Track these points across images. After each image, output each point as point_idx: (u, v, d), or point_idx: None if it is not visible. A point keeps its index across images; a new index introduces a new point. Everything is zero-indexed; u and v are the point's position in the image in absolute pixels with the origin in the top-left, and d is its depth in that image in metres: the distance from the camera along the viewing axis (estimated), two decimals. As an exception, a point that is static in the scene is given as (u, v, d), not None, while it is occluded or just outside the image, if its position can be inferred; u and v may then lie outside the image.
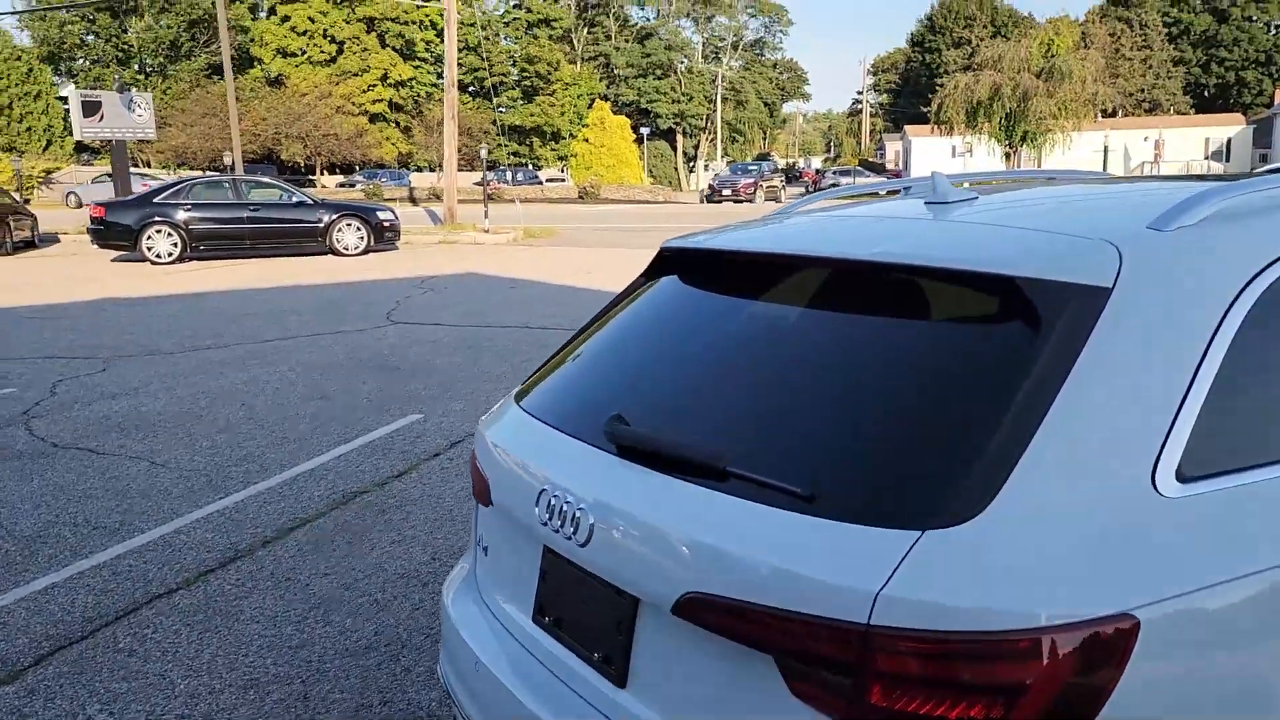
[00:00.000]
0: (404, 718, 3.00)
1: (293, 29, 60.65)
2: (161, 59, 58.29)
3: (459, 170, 44.88)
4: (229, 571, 4.10)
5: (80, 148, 51.58)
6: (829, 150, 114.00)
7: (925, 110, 62.10)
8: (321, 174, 56.62)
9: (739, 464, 1.58)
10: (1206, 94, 73.49)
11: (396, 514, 4.74)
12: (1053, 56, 41.68)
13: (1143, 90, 73.08)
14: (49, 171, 47.70)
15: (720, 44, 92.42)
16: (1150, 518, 1.36)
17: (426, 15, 61.09)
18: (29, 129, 50.70)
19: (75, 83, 53.11)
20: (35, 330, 10.20)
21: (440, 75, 64.54)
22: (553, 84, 67.91)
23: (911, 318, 1.76)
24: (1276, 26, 72.17)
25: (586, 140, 45.70)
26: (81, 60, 57.77)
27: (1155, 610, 1.30)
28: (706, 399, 1.87)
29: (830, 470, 1.54)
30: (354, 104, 58.43)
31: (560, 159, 66.42)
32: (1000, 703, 1.27)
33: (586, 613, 1.80)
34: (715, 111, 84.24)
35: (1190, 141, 56.22)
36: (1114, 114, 66.50)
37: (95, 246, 17.61)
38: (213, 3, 56.48)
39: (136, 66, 58.50)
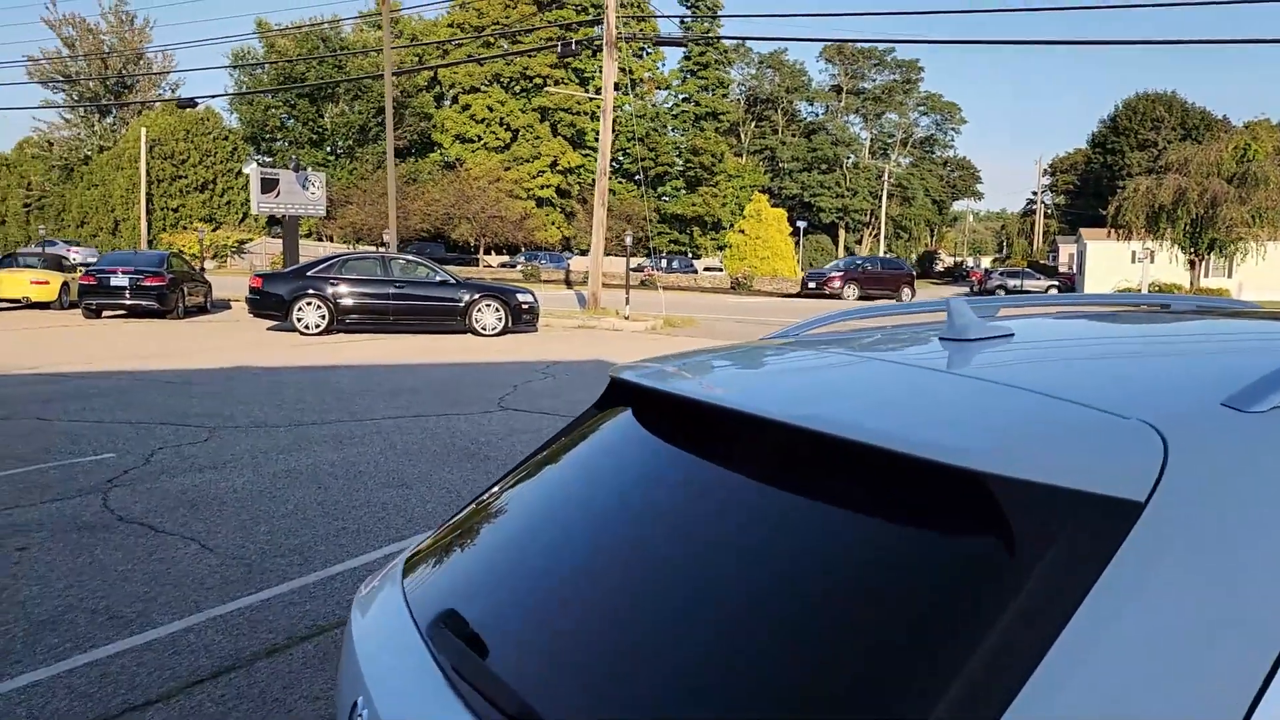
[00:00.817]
0: None
1: (471, 116, 63.93)
2: (350, 142, 62.27)
3: (616, 255, 45.59)
4: (218, 684, 3.74)
5: (272, 221, 55.39)
6: (1000, 250, 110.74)
7: (1103, 213, 59.40)
8: (486, 254, 58.78)
9: None
10: None
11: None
12: (1248, 161, 39.11)
13: (1352, 199, 67.81)
14: (241, 242, 51.35)
15: (889, 140, 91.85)
16: None
17: (597, 107, 63.22)
18: (229, 202, 54.78)
19: (273, 161, 57.31)
20: (164, 395, 10.49)
21: (609, 162, 66.47)
22: (716, 175, 68.76)
23: (846, 509, 1.20)
24: None
25: (742, 231, 45.70)
26: (280, 141, 62.36)
27: None
28: (595, 608, 1.35)
29: None
30: (523, 188, 60.77)
31: (719, 248, 66.81)
32: None
33: None
34: (880, 207, 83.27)
35: None
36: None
37: (252, 316, 18.42)
38: (402, 92, 60.36)
39: (328, 148, 62.70)
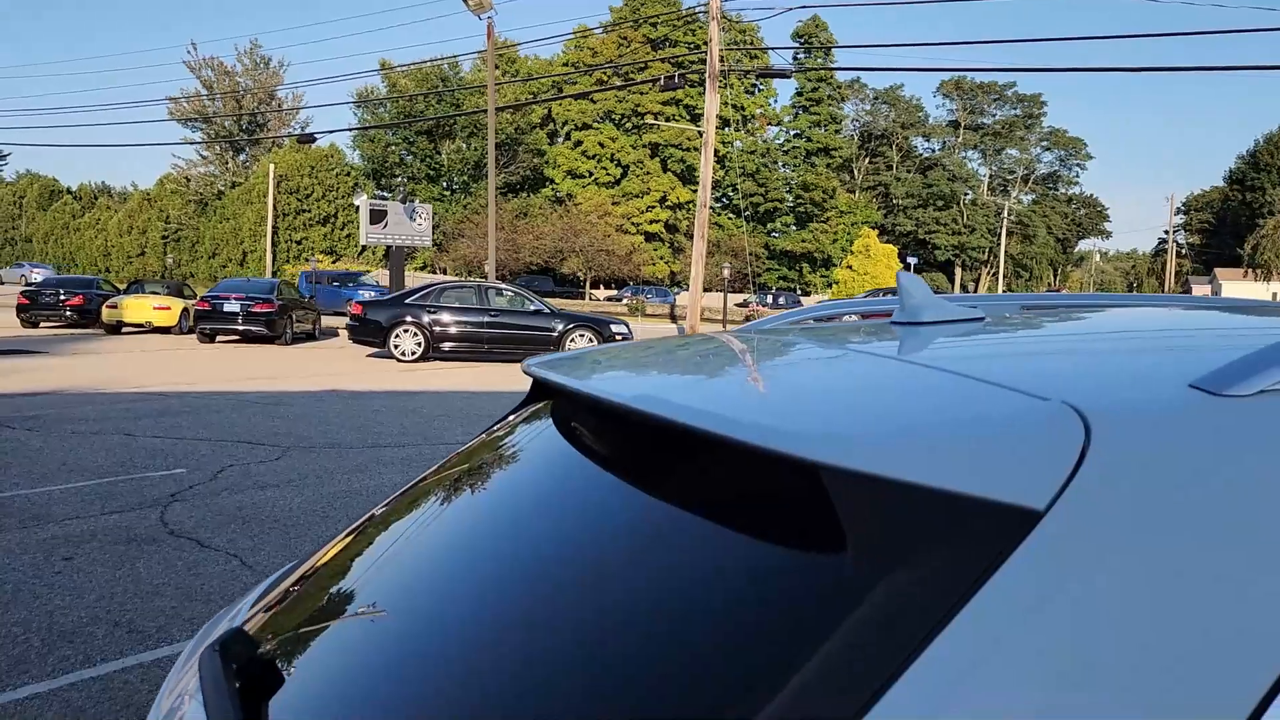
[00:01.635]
0: None
1: (583, 152, 64.92)
2: (466, 178, 63.92)
3: (720, 291, 45.36)
4: (214, 706, 3.58)
5: (389, 253, 57.19)
6: (1129, 291, 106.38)
7: (1240, 252, 56.34)
8: (594, 288, 59.32)
9: None
10: None
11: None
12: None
13: None
14: (359, 274, 53.05)
15: (1009, 176, 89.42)
16: None
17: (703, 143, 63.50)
18: (348, 235, 56.79)
19: (392, 196, 59.20)
20: (249, 415, 10.66)
21: (718, 199, 66.50)
22: (827, 211, 68.03)
23: (678, 502, 0.99)
24: None
25: (850, 268, 44.94)
26: (399, 177, 64.48)
27: None
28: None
29: None
30: (632, 223, 61.25)
31: (828, 285, 65.95)
32: None
33: None
34: (999, 245, 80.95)
35: None
36: None
37: (353, 342, 18.80)
38: (516, 129, 61.76)
39: (444, 184, 64.50)
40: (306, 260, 51.36)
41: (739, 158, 63.45)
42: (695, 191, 66.15)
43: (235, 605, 1.62)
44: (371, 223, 24.25)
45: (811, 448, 0.74)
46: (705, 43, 56.48)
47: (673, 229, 65.13)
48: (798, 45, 70.29)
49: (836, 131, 76.31)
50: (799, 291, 65.39)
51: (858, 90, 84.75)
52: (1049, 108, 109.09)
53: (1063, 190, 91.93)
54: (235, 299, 20.87)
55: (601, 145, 64.42)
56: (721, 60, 23.91)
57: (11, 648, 4.04)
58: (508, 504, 1.32)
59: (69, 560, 5.24)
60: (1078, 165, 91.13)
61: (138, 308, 23.59)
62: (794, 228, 69.38)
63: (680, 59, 50.57)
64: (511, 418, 1.68)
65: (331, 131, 54.63)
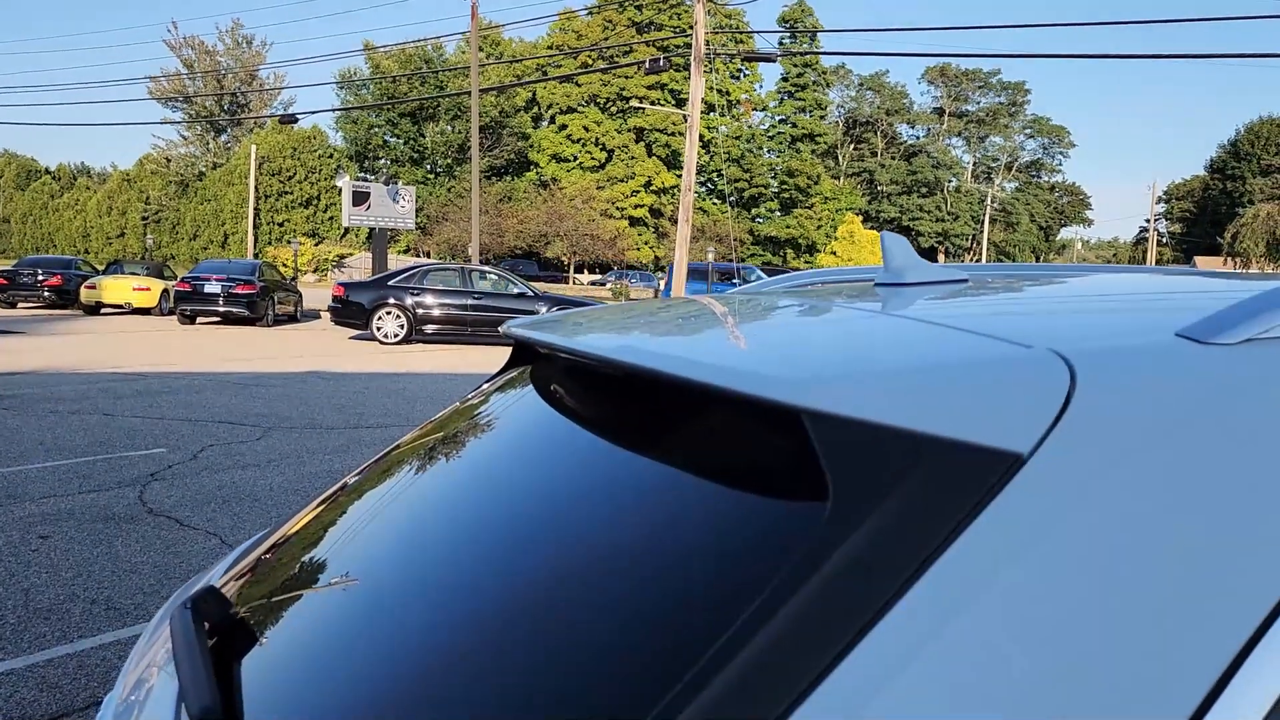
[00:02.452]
0: None
1: (568, 136, 64.65)
2: (450, 160, 63.55)
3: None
4: (192, 683, 3.56)
5: (371, 236, 56.85)
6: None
7: (1220, 241, 56.77)
8: (578, 272, 59.21)
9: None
10: None
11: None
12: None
13: None
14: (341, 257, 52.75)
15: (993, 164, 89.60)
16: None
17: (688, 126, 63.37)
18: (331, 218, 56.43)
19: (376, 179, 58.82)
20: (231, 396, 10.59)
21: (702, 184, 66.43)
22: (812, 197, 68.04)
23: (658, 453, 0.99)
24: None
25: (834, 253, 44.99)
26: (383, 159, 64.05)
27: None
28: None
29: None
30: (616, 208, 61.07)
31: (813, 271, 66.06)
32: None
33: None
34: (981, 232, 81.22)
35: None
36: None
37: (334, 324, 18.70)
38: (500, 112, 61.43)
39: (428, 166, 64.12)
40: (288, 243, 51.08)
41: (724, 143, 63.33)
42: (680, 176, 66.06)
43: (205, 574, 1.60)
44: (354, 204, 24.08)
45: (792, 392, 0.74)
46: (690, 26, 56.25)
47: (657, 214, 65.02)
48: (783, 30, 70.14)
49: (821, 118, 76.25)
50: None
51: (843, 76, 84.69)
52: (1033, 96, 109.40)
53: (1045, 178, 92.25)
54: (216, 280, 20.70)
55: (586, 129, 64.15)
56: (707, 44, 23.82)
57: (-13, 624, 4.00)
58: (484, 467, 1.31)
59: (45, 539, 5.19)
60: (1060, 153, 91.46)
61: (117, 288, 23.38)
62: (778, 213, 69.35)
63: (665, 43, 50.39)
64: (487, 386, 1.66)
65: (314, 112, 54.24)
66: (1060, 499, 0.69)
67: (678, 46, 48.01)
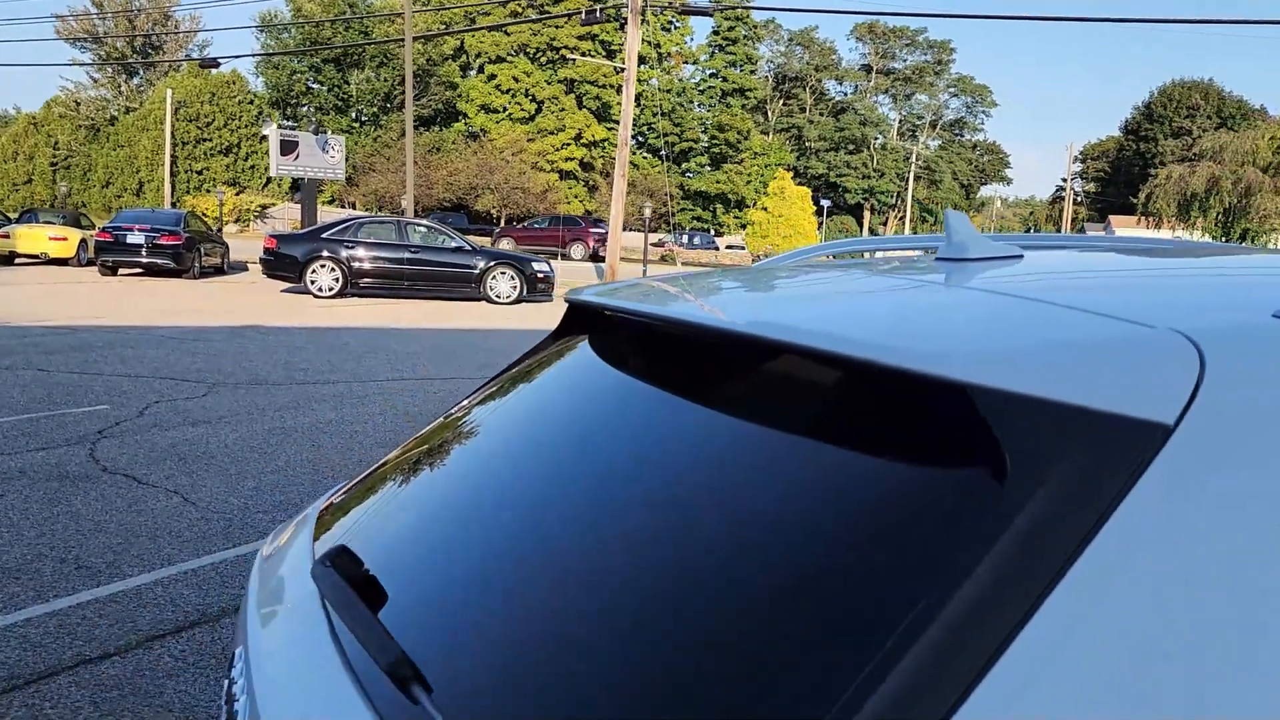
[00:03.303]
0: None
1: (497, 87, 63.57)
2: (375, 109, 62.05)
3: (638, 230, 45.31)
4: (179, 639, 3.57)
5: (295, 186, 55.34)
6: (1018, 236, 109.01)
7: (1134, 201, 58.49)
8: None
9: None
10: None
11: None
12: (1281, 151, 38.34)
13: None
14: (264, 207, 51.33)
15: (918, 122, 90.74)
16: None
17: (624, 80, 62.78)
18: (253, 167, 54.74)
19: (298, 126, 57.20)
20: (168, 351, 10.36)
21: (633, 138, 66.03)
22: (741, 152, 68.16)
23: (810, 433, 1.00)
24: None
25: (765, 209, 45.28)
26: (305, 107, 62.22)
27: None
28: (486, 549, 1.14)
29: None
30: (546, 160, 60.43)
31: (742, 226, 66.39)
32: None
33: None
34: (906, 190, 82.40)
35: None
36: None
37: (266, 276, 18.31)
38: (428, 60, 60.03)
39: (353, 115, 62.51)
40: (209, 192, 49.51)
41: (655, 96, 62.96)
42: (611, 129, 65.50)
43: (287, 527, 1.64)
44: (282, 154, 23.46)
45: (960, 368, 0.81)
46: (622, -23, 55.55)
47: (588, 167, 64.52)
48: (715, -17, 69.66)
49: (752, 72, 76.22)
50: (712, 232, 65.65)
51: (773, 31, 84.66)
52: (957, 55, 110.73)
53: (968, 137, 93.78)
54: (140, 230, 20.05)
55: (516, 80, 63.12)
56: (643, -4, 23.60)
57: (-44, 585, 3.94)
58: (570, 434, 1.34)
59: (1, 497, 5.09)
60: (983, 112, 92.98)
61: (32, 238, 22.50)
62: (708, 168, 69.37)
63: (597, -7, 49.69)
64: (541, 354, 1.68)
65: (235, 57, 52.22)
66: (1205, 467, 0.74)
67: (609, -3, 47.42)
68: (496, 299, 18.18)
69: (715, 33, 73.79)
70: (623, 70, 51.44)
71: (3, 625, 3.61)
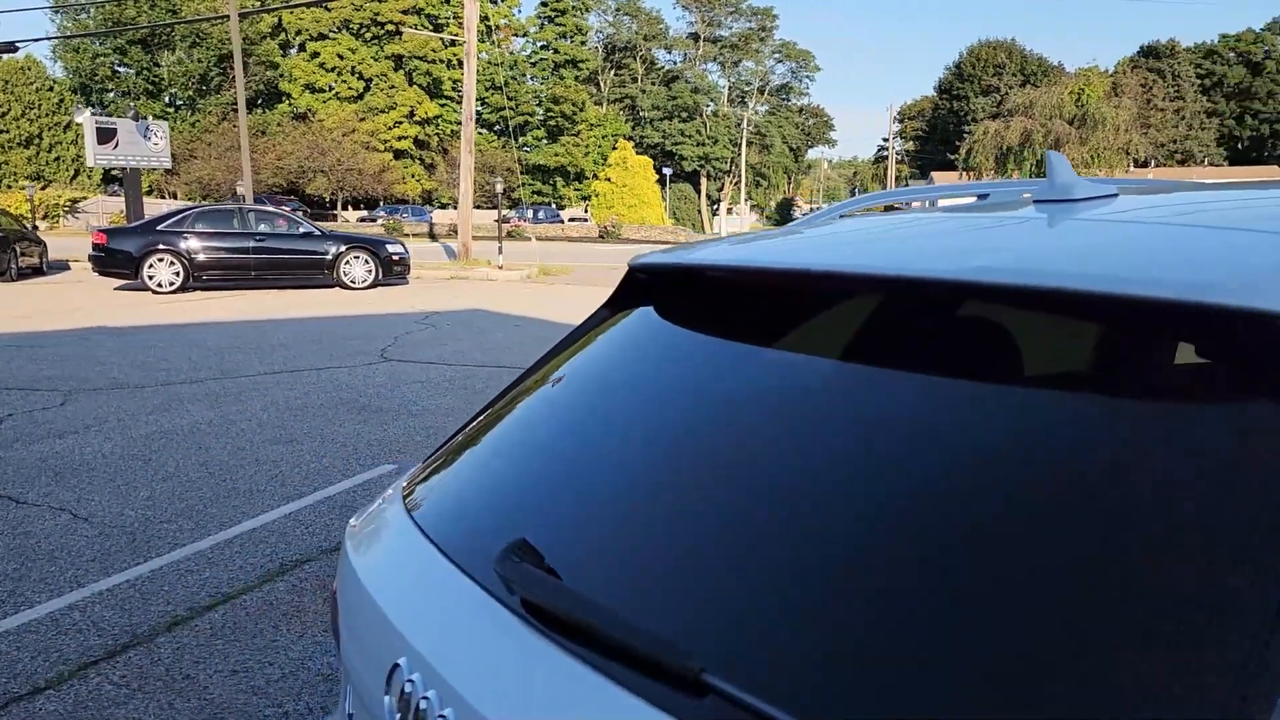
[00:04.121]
0: None
1: (321, 65, 61.11)
2: (191, 92, 58.66)
3: (480, 208, 44.61)
4: (115, 665, 3.32)
5: (108, 178, 51.75)
6: (853, 197, 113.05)
7: (952, 157, 61.53)
8: (344, 208, 56.59)
9: (725, 674, 0.81)
10: (1240, 146, 72.58)
11: (336, 591, 3.95)
12: (1084, 104, 41.07)
13: (1175, 141, 72.20)
14: (74, 201, 47.83)
15: (747, 88, 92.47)
16: None
17: (454, 54, 61.33)
18: (58, 159, 50.94)
19: (108, 113, 53.42)
20: (7, 360, 9.55)
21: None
22: (578, 124, 67.91)
23: (1045, 385, 0.98)
24: (1311, 80, 71.37)
25: (609, 180, 45.32)
26: (112, 92, 58.22)
27: None
28: (684, 522, 1.08)
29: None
30: (380, 140, 58.62)
31: (583, 199, 66.28)
32: None
33: None
34: (740, 155, 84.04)
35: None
36: (1146, 164, 65.72)
37: (97, 274, 17.10)
38: (245, 39, 57.04)
39: (166, 99, 58.92)
40: (10, 188, 45.74)
41: (486, 70, 61.90)
42: (445, 106, 64.08)
43: (363, 521, 1.52)
44: (99, 142, 21.83)
45: (1241, 294, 0.81)
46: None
47: (423, 145, 62.95)
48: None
49: (582, 43, 75.88)
50: (554, 205, 65.33)
51: (599, 1, 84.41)
52: (780, 21, 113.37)
53: (794, 101, 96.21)
54: (-57, 232, 18.34)
55: (341, 57, 60.78)
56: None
57: None
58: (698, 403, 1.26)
59: None
60: (807, 77, 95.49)
61: None
62: (546, 141, 68.82)
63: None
64: (610, 325, 1.57)
65: (33, 41, 48.23)
66: None
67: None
68: (352, 284, 17.57)
69: (543, 4, 73.03)
70: (454, 43, 50.16)
71: (-92, 670, 3.27)
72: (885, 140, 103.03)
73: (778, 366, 1.22)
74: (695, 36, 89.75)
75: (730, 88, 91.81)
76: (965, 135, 53.84)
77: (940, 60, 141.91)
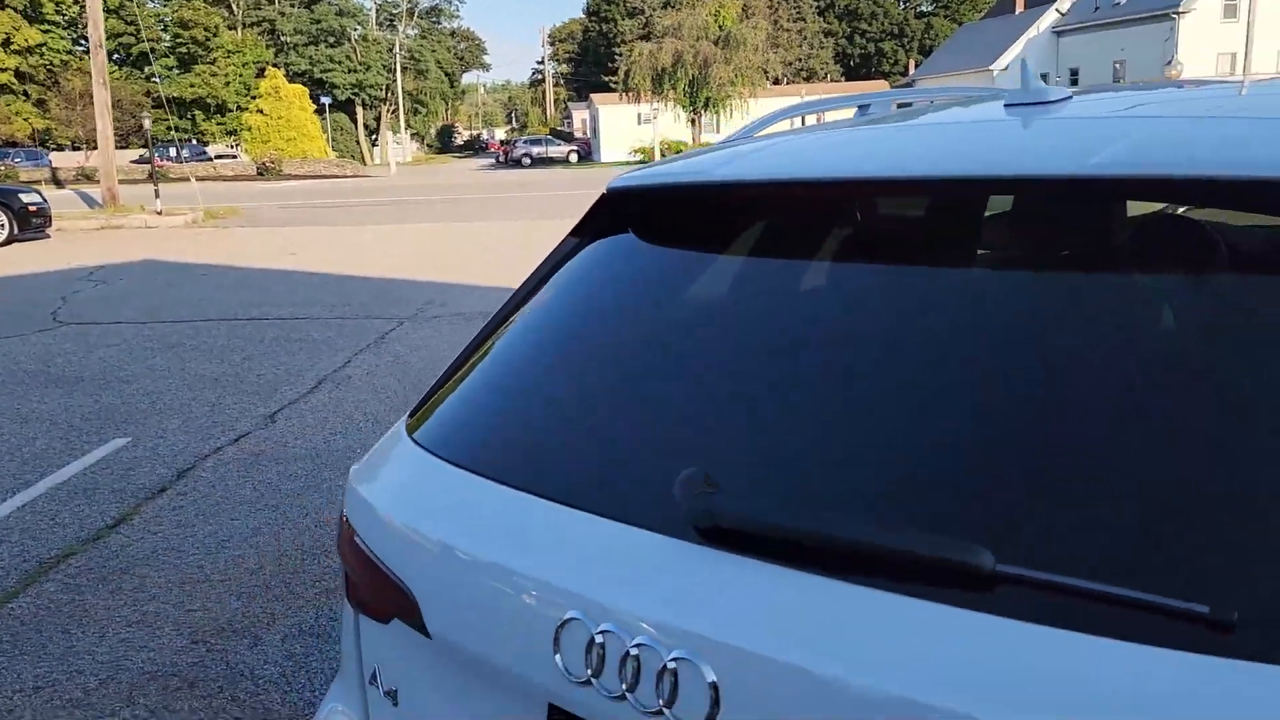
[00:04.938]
0: None
1: (-121, -16, 51.22)
2: None
3: (118, 148, 39.94)
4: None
5: None
6: (512, 121, 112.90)
7: (607, 79, 63.02)
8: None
9: (1021, 560, 0.84)
10: (853, 63, 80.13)
11: (125, 581, 3.56)
12: (724, 27, 43.42)
13: (799, 60, 78.30)
14: None
15: (395, 10, 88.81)
16: None
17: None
18: None
19: None
20: None
21: (77, 40, 57.20)
22: (213, 52, 62.16)
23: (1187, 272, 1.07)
24: (905, 1, 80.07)
25: (261, 111, 42.06)
26: None
27: None
28: (823, 423, 1.10)
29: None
30: (-29, 74, 50.40)
31: (229, 133, 61.20)
32: None
33: None
34: (395, 82, 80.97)
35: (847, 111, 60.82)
36: (779, 82, 71.00)
37: None
38: None
39: None
40: None
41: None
42: (48, 31, 55.95)
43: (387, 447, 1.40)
44: None
45: None
46: None
47: (27, 78, 54.88)
48: None
49: (207, -39, 68.99)
50: (197, 142, 59.74)
51: (221, -87, 76.88)
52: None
53: (446, 24, 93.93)
54: None
55: (-95, -25, 51.20)
56: None
57: None
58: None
59: None
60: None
61: None
62: (178, 71, 62.36)
63: None
64: (584, 249, 1.48)
65: None
66: None
67: None
68: (-20, 243, 15.22)
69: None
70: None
71: None
72: (540, 64, 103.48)
73: (844, 276, 1.25)
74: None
75: (378, 10, 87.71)
76: (618, 57, 55.23)
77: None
